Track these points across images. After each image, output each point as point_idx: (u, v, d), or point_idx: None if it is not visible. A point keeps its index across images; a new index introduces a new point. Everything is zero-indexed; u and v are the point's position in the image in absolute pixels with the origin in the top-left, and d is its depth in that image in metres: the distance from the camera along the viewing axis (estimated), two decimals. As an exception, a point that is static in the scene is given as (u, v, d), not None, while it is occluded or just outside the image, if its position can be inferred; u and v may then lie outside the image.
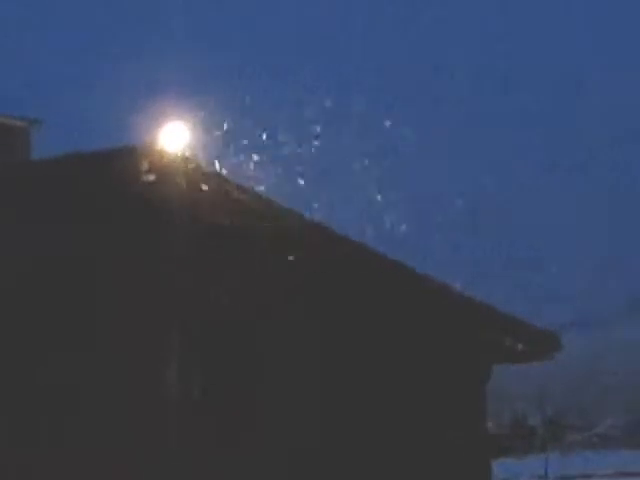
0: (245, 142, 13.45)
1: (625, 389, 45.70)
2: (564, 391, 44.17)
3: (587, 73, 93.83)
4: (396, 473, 16.08)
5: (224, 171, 12.25)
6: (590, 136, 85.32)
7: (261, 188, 12.27)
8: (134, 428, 11.33)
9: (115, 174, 10.90)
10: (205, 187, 11.50)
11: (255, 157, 14.19)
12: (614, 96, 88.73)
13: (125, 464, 11.25)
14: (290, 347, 13.21)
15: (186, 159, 11.46)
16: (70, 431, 11.24)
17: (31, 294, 11.21)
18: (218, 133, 12.63)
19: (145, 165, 11.07)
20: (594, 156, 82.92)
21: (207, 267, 11.52)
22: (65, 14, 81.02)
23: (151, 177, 11.18)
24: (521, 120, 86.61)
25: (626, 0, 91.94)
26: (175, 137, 11.68)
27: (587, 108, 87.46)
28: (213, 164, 12.23)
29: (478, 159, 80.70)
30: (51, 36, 78.76)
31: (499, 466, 24.09)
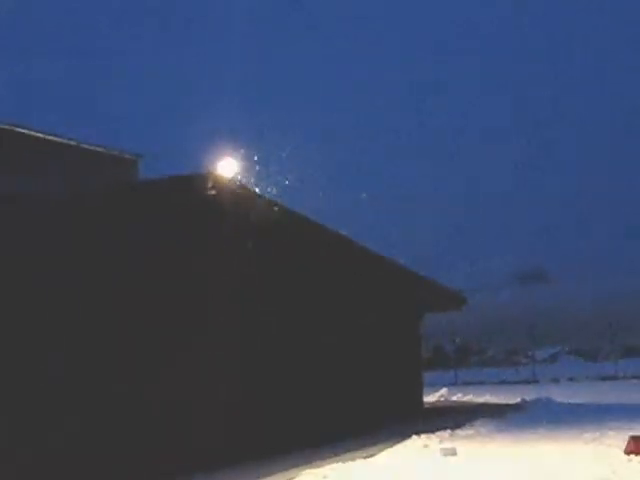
0: (274, 170, 13.44)
1: (506, 330, 46.12)
2: (467, 330, 44.45)
3: None
4: (369, 378, 16.57)
5: (259, 189, 12.19)
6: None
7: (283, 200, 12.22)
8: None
9: (191, 191, 11.04)
10: (247, 201, 11.66)
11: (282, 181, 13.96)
12: None
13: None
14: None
15: (234, 181, 11.58)
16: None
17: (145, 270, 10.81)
18: (257, 165, 12.71)
19: (210, 185, 11.21)
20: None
21: (244, 249, 11.47)
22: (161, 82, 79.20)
23: (213, 192, 11.28)
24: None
25: None
26: (229, 168, 11.74)
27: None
28: (253, 186, 12.19)
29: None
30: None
31: (427, 376, 24.51)
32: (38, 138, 14.87)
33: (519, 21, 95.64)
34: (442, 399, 26.71)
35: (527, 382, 34.13)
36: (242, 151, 12.29)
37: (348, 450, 11.38)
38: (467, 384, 34.54)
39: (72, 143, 16.14)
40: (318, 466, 9.70)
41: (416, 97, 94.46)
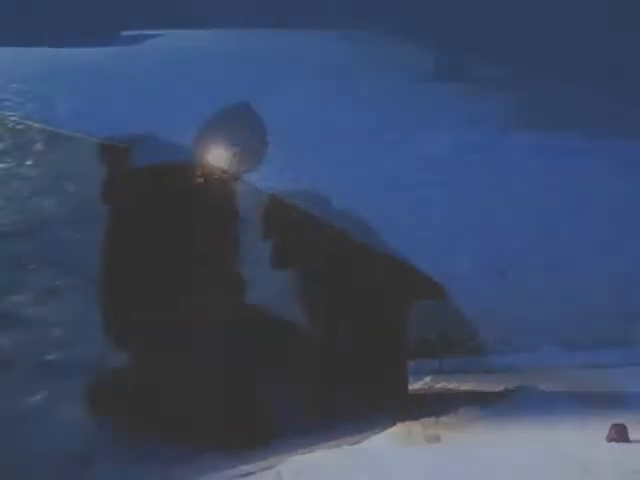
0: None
1: (490, 319, 45.99)
2: (451, 319, 44.37)
3: None
4: (354, 365, 16.46)
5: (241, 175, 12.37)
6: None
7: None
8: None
9: (183, 176, 11.21)
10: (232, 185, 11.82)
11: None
12: None
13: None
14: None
15: (222, 169, 11.68)
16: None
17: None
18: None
19: (200, 171, 11.39)
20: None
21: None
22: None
23: (201, 179, 11.44)
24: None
25: None
26: (217, 156, 11.77)
27: None
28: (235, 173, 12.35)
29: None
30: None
31: (411, 364, 24.42)
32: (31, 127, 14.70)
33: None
34: (426, 387, 26.69)
35: (510, 371, 34.15)
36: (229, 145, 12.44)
37: (332, 437, 11.33)
38: (451, 372, 34.49)
39: (64, 133, 15.95)
40: (302, 453, 9.65)
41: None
